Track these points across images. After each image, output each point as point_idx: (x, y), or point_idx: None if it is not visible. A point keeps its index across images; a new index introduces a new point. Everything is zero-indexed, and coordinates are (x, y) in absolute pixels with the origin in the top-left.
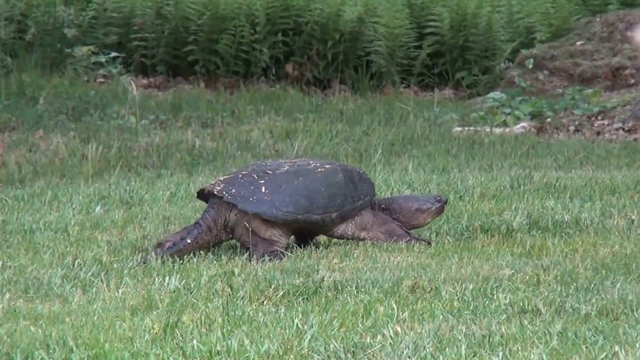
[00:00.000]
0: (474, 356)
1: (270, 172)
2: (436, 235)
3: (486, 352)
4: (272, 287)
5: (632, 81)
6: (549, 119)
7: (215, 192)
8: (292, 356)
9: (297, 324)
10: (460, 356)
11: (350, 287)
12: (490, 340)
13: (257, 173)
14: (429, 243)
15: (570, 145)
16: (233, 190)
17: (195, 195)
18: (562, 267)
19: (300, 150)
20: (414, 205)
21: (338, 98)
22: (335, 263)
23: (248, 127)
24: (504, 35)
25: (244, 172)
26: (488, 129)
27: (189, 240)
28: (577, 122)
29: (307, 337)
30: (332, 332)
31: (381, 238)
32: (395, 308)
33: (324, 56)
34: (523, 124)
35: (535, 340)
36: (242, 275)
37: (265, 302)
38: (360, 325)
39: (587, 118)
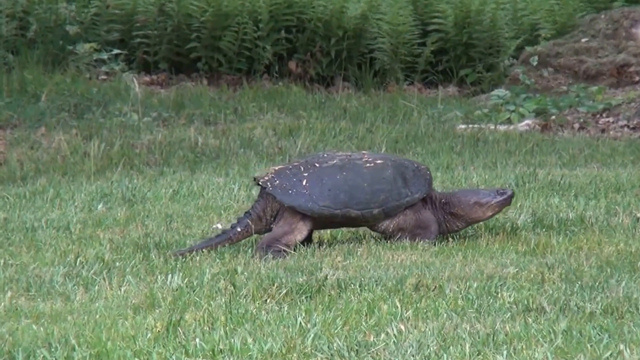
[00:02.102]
0: (478, 355)
1: (317, 165)
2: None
3: (490, 350)
4: (275, 285)
5: (637, 78)
6: (553, 117)
7: (260, 183)
8: (295, 355)
9: (300, 323)
10: (464, 355)
11: (353, 285)
12: (495, 338)
13: (306, 165)
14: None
15: (575, 142)
16: (277, 181)
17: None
18: (566, 265)
19: (304, 147)
20: (472, 198)
21: (341, 95)
22: (339, 261)
23: (251, 125)
24: (508, 33)
25: (295, 164)
26: (492, 127)
27: (238, 229)
28: (581, 120)
29: (310, 336)
30: (336, 331)
31: (419, 235)
32: (399, 306)
33: (327, 53)
34: (527, 121)
35: (540, 339)
36: (245, 273)
37: (268, 301)
38: (363, 323)
39: (591, 115)
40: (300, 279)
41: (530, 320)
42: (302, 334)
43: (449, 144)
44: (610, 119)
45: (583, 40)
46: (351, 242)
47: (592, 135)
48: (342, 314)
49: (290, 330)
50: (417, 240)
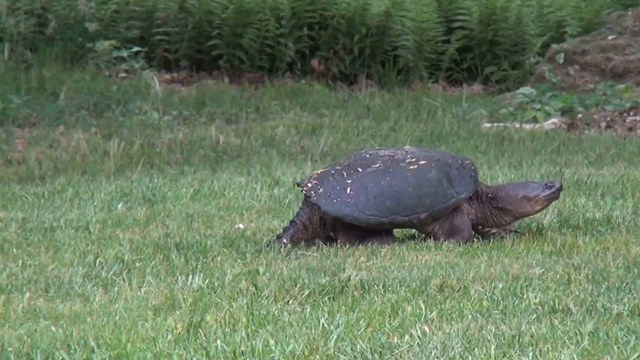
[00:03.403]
0: (503, 356)
1: (360, 170)
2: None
3: (516, 352)
4: (298, 286)
5: None
6: (580, 115)
7: (304, 192)
8: (317, 356)
9: (323, 324)
10: (489, 357)
11: (377, 286)
12: (520, 340)
13: (348, 170)
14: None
15: (602, 141)
16: (320, 190)
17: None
18: (593, 266)
19: (326, 146)
20: (520, 192)
21: (365, 93)
22: (362, 261)
23: (273, 123)
24: (534, 30)
25: (337, 168)
26: (518, 125)
27: (284, 240)
28: (608, 118)
29: (333, 337)
30: (359, 332)
31: (451, 235)
32: (423, 307)
33: (350, 51)
34: (553, 119)
35: (566, 341)
36: (267, 274)
37: (290, 302)
38: (387, 325)
39: (618, 114)
40: (323, 280)
41: (556, 321)
42: (325, 336)
43: (473, 143)
44: (638, 118)
45: (610, 37)
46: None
47: (619, 134)
48: (366, 315)
49: (313, 331)
50: (450, 240)
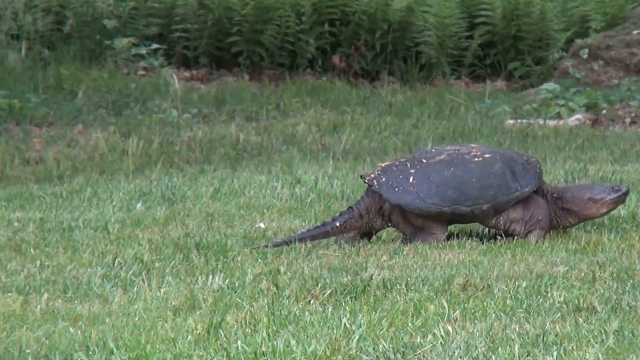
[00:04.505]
0: (527, 356)
1: (424, 161)
2: (488, 232)
3: (540, 351)
4: (319, 285)
5: None
6: (604, 111)
7: (367, 181)
8: (339, 357)
9: (344, 324)
10: (513, 356)
11: (399, 285)
12: (545, 339)
13: (412, 161)
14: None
15: (627, 137)
16: (383, 179)
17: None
18: (618, 264)
19: (348, 144)
20: (586, 194)
21: (386, 90)
22: (384, 260)
23: (294, 121)
24: (557, 25)
25: (402, 160)
26: (542, 121)
27: (337, 224)
28: (633, 114)
29: (355, 337)
30: (381, 332)
31: (524, 228)
32: (446, 307)
33: (372, 47)
34: (578, 116)
35: (591, 339)
36: (288, 273)
37: (312, 301)
38: (410, 324)
39: None
40: (345, 279)
41: (580, 320)
42: (347, 336)
43: (497, 140)
44: None
45: (635, 32)
46: (397, 241)
47: None
48: (388, 315)
49: (335, 331)
50: (529, 234)
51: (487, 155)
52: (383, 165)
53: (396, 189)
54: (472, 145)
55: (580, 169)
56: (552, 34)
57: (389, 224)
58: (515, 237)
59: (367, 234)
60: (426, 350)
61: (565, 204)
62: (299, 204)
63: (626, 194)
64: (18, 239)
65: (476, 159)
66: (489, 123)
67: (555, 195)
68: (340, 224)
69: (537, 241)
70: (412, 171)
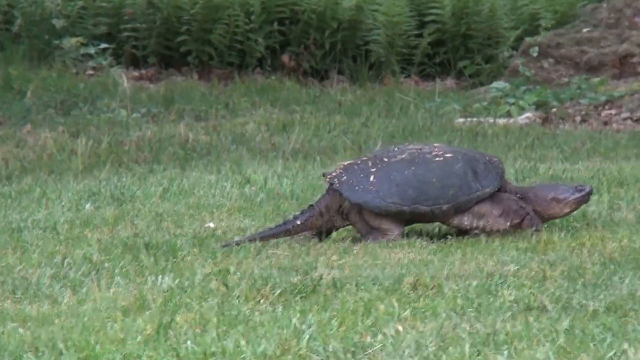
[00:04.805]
0: (478, 355)
1: (385, 160)
2: (439, 231)
3: (491, 350)
4: (269, 285)
5: None
6: (554, 109)
7: (328, 179)
8: (289, 357)
9: (294, 324)
10: (463, 355)
11: (349, 284)
12: (495, 338)
13: (374, 160)
14: (538, 230)
15: (577, 136)
16: (344, 177)
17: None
18: (568, 263)
19: (298, 143)
20: (550, 194)
21: (336, 89)
22: (334, 260)
23: (243, 120)
24: (507, 23)
25: (364, 158)
26: (491, 120)
27: (298, 222)
28: (583, 112)
29: (305, 337)
30: (331, 332)
31: (500, 223)
32: (397, 306)
33: (321, 46)
34: (528, 114)
35: (542, 338)
36: (238, 273)
37: (261, 301)
38: (360, 324)
39: (593, 108)
40: (295, 279)
41: (531, 319)
42: (297, 336)
43: (447, 139)
44: (613, 111)
45: (584, 30)
46: (347, 240)
47: (594, 128)
48: (338, 315)
49: (285, 331)
50: (509, 221)
51: (448, 155)
52: (345, 163)
53: (356, 188)
54: (435, 144)
55: (531, 168)
56: (502, 32)
57: (348, 223)
58: (466, 236)
59: (320, 233)
60: (376, 350)
61: (528, 204)
62: (249, 204)
63: (590, 193)
64: None
65: (437, 159)
66: (438, 122)
67: (518, 195)
68: (301, 222)
69: (535, 231)
70: (373, 170)
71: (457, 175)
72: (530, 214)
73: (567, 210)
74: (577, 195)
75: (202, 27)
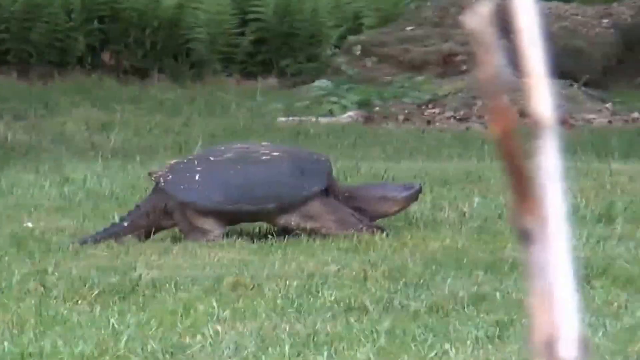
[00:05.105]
0: (298, 356)
1: (211, 159)
2: (259, 230)
3: (311, 351)
4: (87, 285)
5: (464, 68)
6: (377, 108)
7: (153, 178)
8: (108, 358)
9: (113, 324)
10: (283, 356)
11: (169, 284)
12: (315, 339)
13: (200, 159)
14: (383, 230)
15: (400, 134)
16: (170, 176)
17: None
18: (390, 262)
19: (118, 143)
20: (378, 193)
21: (157, 88)
22: (154, 260)
23: (62, 119)
24: (330, 21)
25: (190, 157)
26: (314, 119)
27: (125, 224)
28: (406, 111)
29: (123, 338)
30: (150, 332)
31: (332, 227)
32: (216, 306)
33: (142, 44)
34: (350, 113)
35: (362, 339)
36: (56, 273)
37: (80, 302)
38: (179, 324)
39: (417, 106)
40: (113, 279)
41: (352, 319)
42: (115, 336)
43: (268, 138)
44: (437, 110)
45: (409, 28)
46: (167, 240)
47: (417, 127)
48: (157, 315)
49: (103, 332)
50: (342, 230)
51: (275, 154)
52: (172, 162)
53: (181, 187)
54: (263, 143)
55: (353, 167)
56: (325, 30)
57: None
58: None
59: (148, 233)
60: (195, 351)
61: (357, 203)
62: (68, 203)
63: (419, 191)
64: None
65: (264, 158)
66: (260, 121)
67: (347, 194)
68: (127, 224)
69: (382, 232)
70: (199, 169)
71: (283, 174)
72: (365, 228)
73: (396, 208)
74: (406, 193)
75: (22, 25)
